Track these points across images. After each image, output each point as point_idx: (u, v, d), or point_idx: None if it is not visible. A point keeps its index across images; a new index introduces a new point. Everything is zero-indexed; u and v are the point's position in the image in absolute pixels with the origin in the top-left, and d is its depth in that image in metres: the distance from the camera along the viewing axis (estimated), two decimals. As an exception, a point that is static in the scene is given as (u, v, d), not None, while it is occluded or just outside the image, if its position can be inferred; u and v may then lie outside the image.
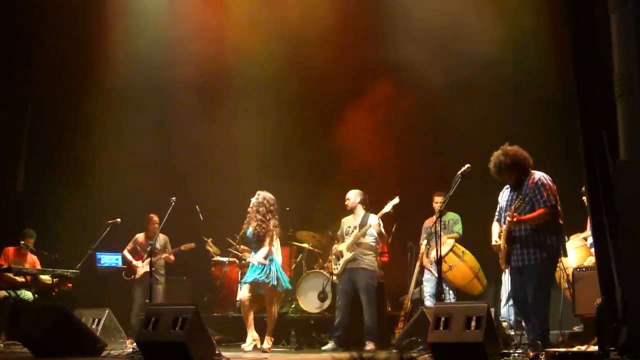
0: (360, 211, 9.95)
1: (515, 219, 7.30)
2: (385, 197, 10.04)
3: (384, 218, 9.80)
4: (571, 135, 7.24)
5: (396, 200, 9.65)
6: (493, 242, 7.69)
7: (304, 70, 12.26)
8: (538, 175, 7.48)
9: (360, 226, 9.80)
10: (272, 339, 9.52)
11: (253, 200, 9.71)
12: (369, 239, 9.78)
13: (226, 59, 12.12)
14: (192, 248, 11.61)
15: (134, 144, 12.52)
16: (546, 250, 7.34)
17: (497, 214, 7.78)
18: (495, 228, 7.74)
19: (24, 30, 12.12)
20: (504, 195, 7.72)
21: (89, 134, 12.45)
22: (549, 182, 7.45)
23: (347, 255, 9.83)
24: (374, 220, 9.72)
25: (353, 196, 9.98)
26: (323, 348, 9.74)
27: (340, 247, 9.98)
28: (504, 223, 7.48)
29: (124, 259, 11.45)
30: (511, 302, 9.10)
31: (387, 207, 9.66)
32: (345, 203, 10.02)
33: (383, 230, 9.82)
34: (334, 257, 10.14)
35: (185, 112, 12.50)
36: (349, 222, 10.06)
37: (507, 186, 7.72)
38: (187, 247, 11.56)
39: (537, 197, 7.36)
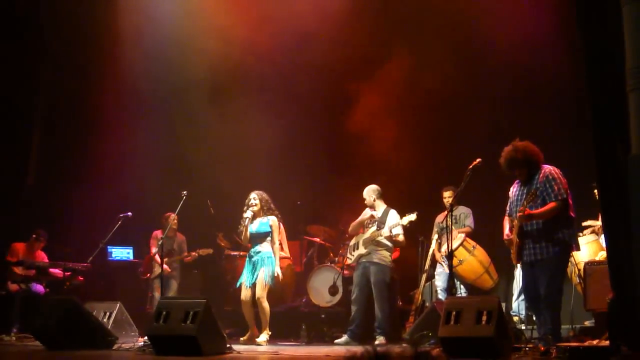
0: (381, 206, 9.90)
1: (525, 213, 7.28)
2: (396, 192, 10.02)
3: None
4: (584, 130, 7.19)
5: (413, 216, 9.51)
6: (504, 236, 7.67)
7: (314, 66, 12.22)
8: (549, 169, 7.43)
9: (380, 222, 9.78)
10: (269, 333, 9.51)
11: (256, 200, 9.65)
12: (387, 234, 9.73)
13: (237, 56, 12.09)
14: (209, 253, 11.63)
15: (145, 139, 12.53)
16: (558, 244, 7.29)
17: (507, 208, 7.74)
18: (507, 223, 7.70)
19: (37, 25, 12.14)
20: (515, 190, 7.67)
21: (99, 127, 12.47)
22: (560, 175, 7.40)
23: (362, 250, 9.83)
24: (392, 220, 9.70)
25: (367, 195, 9.92)
26: (336, 341, 9.75)
27: (360, 238, 9.96)
28: (516, 217, 7.45)
29: (153, 259, 11.39)
30: (522, 296, 9.08)
31: (404, 221, 9.59)
32: (365, 202, 9.99)
33: (401, 237, 9.78)
34: (350, 246, 10.11)
35: (197, 108, 12.49)
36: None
37: (518, 180, 7.68)
38: (205, 251, 11.58)
39: (547, 191, 7.31)
